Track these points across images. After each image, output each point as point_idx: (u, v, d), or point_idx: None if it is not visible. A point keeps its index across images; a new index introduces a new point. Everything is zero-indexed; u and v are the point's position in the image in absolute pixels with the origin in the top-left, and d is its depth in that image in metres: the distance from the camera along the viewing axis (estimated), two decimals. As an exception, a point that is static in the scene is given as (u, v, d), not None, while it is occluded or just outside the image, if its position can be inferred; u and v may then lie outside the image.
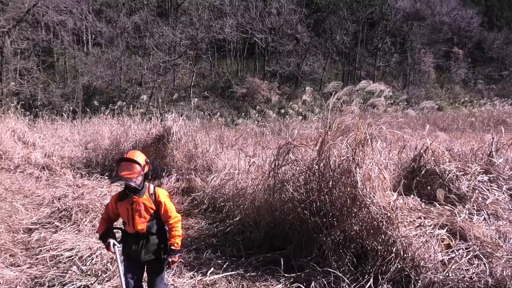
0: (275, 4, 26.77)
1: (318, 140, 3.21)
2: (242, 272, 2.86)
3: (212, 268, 2.86)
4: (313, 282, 2.59)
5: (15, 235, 3.66)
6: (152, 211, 2.07)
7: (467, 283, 2.34)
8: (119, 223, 2.22)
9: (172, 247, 2.07)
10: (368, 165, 2.79)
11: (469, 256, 2.54)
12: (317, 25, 30.09)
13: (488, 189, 3.25)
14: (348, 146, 2.93)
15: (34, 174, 6.32)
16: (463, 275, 2.41)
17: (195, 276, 2.76)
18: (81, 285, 2.61)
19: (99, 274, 2.73)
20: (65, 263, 2.97)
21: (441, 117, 17.30)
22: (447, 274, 2.39)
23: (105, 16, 22.59)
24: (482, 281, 2.37)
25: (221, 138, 7.19)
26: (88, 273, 2.76)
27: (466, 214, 2.88)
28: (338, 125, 3.04)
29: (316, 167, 3.04)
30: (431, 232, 2.64)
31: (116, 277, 2.64)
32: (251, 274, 2.84)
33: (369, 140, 2.84)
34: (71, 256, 3.03)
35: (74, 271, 2.77)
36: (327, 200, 2.92)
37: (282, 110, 19.05)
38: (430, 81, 32.85)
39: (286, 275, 2.75)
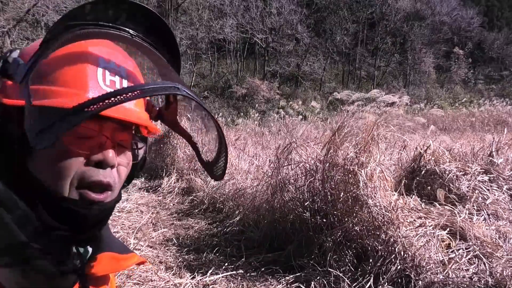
0: (275, 4, 26.82)
1: (322, 141, 3.22)
2: (242, 272, 2.86)
3: (212, 268, 2.86)
4: (313, 282, 2.59)
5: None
6: None
7: (467, 283, 2.34)
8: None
9: None
10: (372, 166, 2.79)
11: (469, 256, 2.54)
12: (317, 25, 30.15)
13: (488, 189, 3.25)
14: (355, 146, 2.94)
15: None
16: (463, 275, 2.41)
17: (195, 276, 2.76)
18: (81, 285, 2.61)
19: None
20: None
21: (441, 117, 17.31)
22: (447, 274, 2.39)
23: (105, 16, 22.65)
24: (482, 281, 2.37)
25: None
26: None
27: (466, 214, 2.87)
28: (346, 127, 3.05)
29: (320, 167, 3.05)
30: (432, 232, 2.64)
31: (116, 277, 2.65)
32: (251, 274, 2.84)
33: (376, 142, 2.84)
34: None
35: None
36: (329, 200, 2.92)
37: (280, 110, 19.06)
38: (430, 81, 32.89)
39: (286, 274, 2.75)
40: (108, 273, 0.69)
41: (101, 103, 0.45)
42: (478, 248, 2.57)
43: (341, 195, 2.86)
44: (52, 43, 0.53)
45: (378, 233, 2.65)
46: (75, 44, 0.58)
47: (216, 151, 0.68)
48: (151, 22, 0.65)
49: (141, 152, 0.68)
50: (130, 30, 0.63)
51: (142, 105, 0.63)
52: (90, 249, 0.65)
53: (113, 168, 0.60)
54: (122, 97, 0.45)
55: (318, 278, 2.62)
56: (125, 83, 0.59)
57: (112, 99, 0.45)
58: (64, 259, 0.60)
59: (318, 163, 3.09)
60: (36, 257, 0.56)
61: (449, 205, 2.99)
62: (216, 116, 15.21)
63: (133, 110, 0.60)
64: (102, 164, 0.58)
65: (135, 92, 0.46)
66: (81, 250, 0.64)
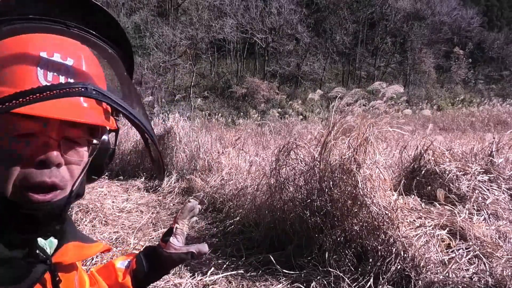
0: (275, 4, 26.80)
1: (319, 140, 3.22)
2: (242, 272, 2.86)
3: (212, 268, 2.86)
4: (313, 282, 2.59)
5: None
6: None
7: (467, 283, 2.34)
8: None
9: None
10: (369, 165, 2.79)
11: (469, 256, 2.54)
12: (317, 25, 30.13)
13: (488, 189, 3.25)
14: (350, 146, 2.94)
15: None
16: (463, 275, 2.41)
17: (195, 276, 2.76)
18: (81, 285, 2.61)
19: (99, 274, 2.73)
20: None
21: (441, 117, 17.32)
22: (447, 274, 2.39)
23: (105, 16, 22.64)
24: (482, 281, 2.37)
25: (222, 138, 7.20)
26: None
27: (466, 214, 2.88)
28: (340, 125, 3.05)
29: (318, 167, 3.05)
30: (432, 232, 2.64)
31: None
32: (251, 274, 2.84)
33: (371, 141, 2.84)
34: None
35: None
36: (328, 200, 2.92)
37: (280, 110, 19.06)
38: (430, 81, 32.87)
39: (286, 274, 2.75)
40: (75, 261, 0.70)
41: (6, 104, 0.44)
42: (478, 248, 2.57)
43: (339, 195, 2.86)
44: None
45: (378, 233, 2.65)
46: (15, 38, 0.56)
47: (155, 150, 0.67)
48: (91, 13, 0.63)
49: (106, 145, 0.68)
50: (67, 22, 0.60)
51: (92, 100, 0.58)
52: (55, 240, 0.66)
53: (60, 166, 0.59)
54: (23, 100, 0.44)
55: (318, 278, 2.62)
56: (73, 78, 0.56)
57: (14, 101, 0.44)
58: (29, 251, 0.61)
59: (316, 163, 3.08)
60: (2, 251, 0.57)
61: (449, 205, 2.99)
62: (216, 116, 15.19)
63: (69, 105, 0.55)
64: (46, 164, 0.57)
65: (34, 96, 0.44)
66: (47, 241, 0.65)
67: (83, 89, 0.47)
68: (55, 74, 0.55)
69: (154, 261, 0.97)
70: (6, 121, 0.54)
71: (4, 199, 0.56)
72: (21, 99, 0.44)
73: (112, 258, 2.88)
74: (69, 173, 0.61)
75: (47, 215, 0.60)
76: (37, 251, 0.63)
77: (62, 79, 0.55)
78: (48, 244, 0.66)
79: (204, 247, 1.02)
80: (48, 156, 0.56)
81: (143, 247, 1.04)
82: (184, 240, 1.03)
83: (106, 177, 6.25)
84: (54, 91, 0.45)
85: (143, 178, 6.18)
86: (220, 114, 17.87)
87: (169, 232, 1.03)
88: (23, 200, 0.57)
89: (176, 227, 1.04)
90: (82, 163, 0.63)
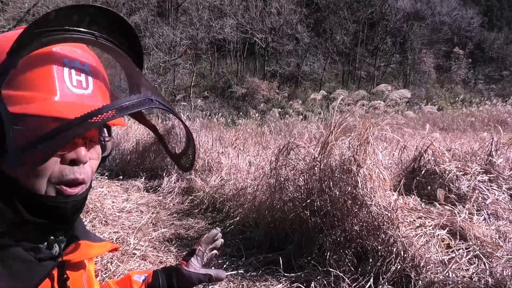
0: (275, 4, 26.80)
1: (319, 140, 3.22)
2: (242, 272, 2.86)
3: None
4: (313, 282, 2.59)
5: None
6: None
7: (467, 283, 2.34)
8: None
9: None
10: (369, 165, 2.79)
11: (469, 256, 2.54)
12: (317, 25, 30.12)
13: (488, 189, 3.25)
14: (350, 146, 2.94)
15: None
16: (463, 275, 2.41)
17: (195, 276, 2.76)
18: (81, 285, 2.61)
19: (99, 274, 2.73)
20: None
21: (441, 117, 17.33)
22: (447, 274, 2.39)
23: (105, 16, 22.69)
24: (482, 281, 2.37)
25: (221, 138, 7.19)
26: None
27: (466, 214, 2.88)
28: (341, 125, 3.05)
29: (318, 167, 3.05)
30: (432, 232, 2.65)
31: (116, 277, 2.64)
32: (251, 274, 2.84)
33: (371, 141, 2.84)
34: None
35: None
36: (328, 200, 2.92)
37: (280, 110, 19.05)
38: (430, 81, 32.86)
39: (286, 274, 2.75)
40: (83, 259, 0.74)
41: (82, 127, 0.51)
42: (478, 248, 2.58)
43: (339, 195, 2.86)
44: (21, 52, 0.56)
45: (378, 233, 2.65)
46: (43, 49, 0.61)
47: (185, 145, 0.77)
48: (114, 23, 0.69)
49: (109, 144, 0.72)
50: (95, 32, 0.67)
51: (108, 101, 0.66)
52: (65, 239, 0.71)
53: (85, 164, 0.65)
54: (102, 116, 0.52)
55: (318, 278, 2.62)
56: (90, 81, 0.63)
57: (95, 118, 0.51)
58: (40, 247, 0.65)
59: (316, 163, 3.09)
60: (13, 246, 0.60)
61: (449, 205, 2.99)
62: (216, 116, 15.23)
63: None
64: (76, 162, 0.63)
65: (111, 112, 0.52)
66: (57, 239, 0.69)
67: (150, 101, 0.57)
68: (77, 77, 0.62)
69: (171, 278, 1.02)
70: (38, 124, 0.58)
71: (36, 194, 0.60)
72: (110, 112, 0.52)
73: (111, 258, 2.88)
74: (91, 169, 0.67)
75: (74, 207, 0.65)
76: (47, 249, 0.67)
77: (83, 81, 0.62)
78: (58, 241, 0.69)
79: (222, 274, 1.08)
80: (79, 155, 0.63)
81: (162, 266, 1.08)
82: (202, 263, 1.10)
83: (106, 177, 6.25)
84: (131, 105, 0.54)
85: (143, 178, 6.18)
86: (220, 114, 17.86)
87: (192, 253, 1.11)
88: (57, 194, 0.62)
89: (199, 249, 1.11)
90: (99, 159, 0.70)
